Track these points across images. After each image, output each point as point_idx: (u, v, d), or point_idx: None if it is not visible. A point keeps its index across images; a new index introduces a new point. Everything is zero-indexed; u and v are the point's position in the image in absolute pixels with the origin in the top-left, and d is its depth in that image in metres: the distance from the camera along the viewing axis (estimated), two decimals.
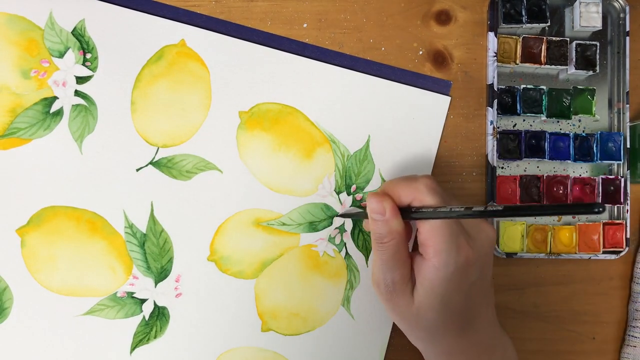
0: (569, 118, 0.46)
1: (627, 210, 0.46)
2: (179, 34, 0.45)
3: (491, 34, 0.45)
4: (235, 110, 0.45)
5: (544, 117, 0.46)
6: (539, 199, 0.45)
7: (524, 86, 0.45)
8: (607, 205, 0.46)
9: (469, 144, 0.46)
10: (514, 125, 0.46)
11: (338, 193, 0.45)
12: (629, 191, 0.46)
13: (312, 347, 0.45)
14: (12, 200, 0.44)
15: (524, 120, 0.46)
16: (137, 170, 0.45)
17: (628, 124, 0.46)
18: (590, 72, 0.46)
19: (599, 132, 0.46)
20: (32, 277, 0.44)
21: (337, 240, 0.46)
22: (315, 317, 0.45)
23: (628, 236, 0.46)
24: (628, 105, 0.46)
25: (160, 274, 0.45)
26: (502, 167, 0.46)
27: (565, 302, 0.47)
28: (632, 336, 0.46)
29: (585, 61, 0.46)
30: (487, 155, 0.46)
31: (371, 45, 0.46)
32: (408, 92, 0.46)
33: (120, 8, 0.45)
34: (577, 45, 0.45)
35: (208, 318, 0.45)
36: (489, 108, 0.46)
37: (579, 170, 0.47)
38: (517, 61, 0.46)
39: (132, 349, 0.45)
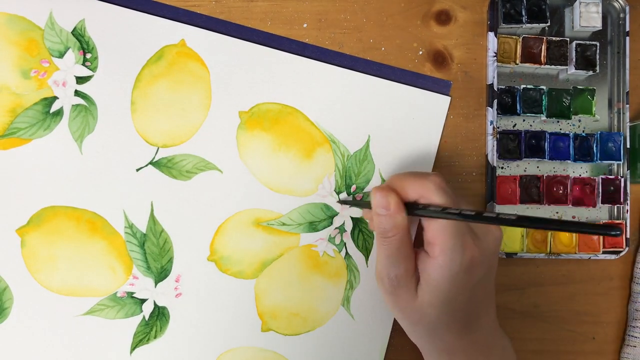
0: (569, 118, 0.46)
1: (627, 210, 0.46)
2: (179, 34, 0.45)
3: (491, 34, 0.45)
4: (235, 110, 0.45)
5: (543, 117, 0.46)
6: (539, 199, 0.45)
7: (524, 86, 0.45)
8: (607, 206, 0.46)
9: (469, 144, 0.46)
10: (514, 125, 0.46)
11: (338, 193, 0.45)
12: (628, 191, 0.46)
13: (312, 347, 0.45)
14: (12, 200, 0.44)
15: (524, 120, 0.46)
16: (137, 170, 0.45)
17: (628, 124, 0.46)
18: (590, 72, 0.46)
19: (599, 132, 0.46)
20: (32, 277, 0.44)
21: (337, 240, 0.46)
22: (315, 317, 0.45)
23: (628, 236, 0.46)
24: (628, 105, 0.46)
25: (160, 274, 0.45)
26: (502, 167, 0.46)
27: (565, 302, 0.47)
28: (632, 336, 0.46)
29: (585, 61, 0.46)
30: (487, 155, 0.46)
31: (371, 45, 0.46)
32: (408, 92, 0.46)
33: (120, 8, 0.45)
34: (577, 45, 0.45)
35: (208, 318, 0.45)
36: (489, 108, 0.46)
37: (579, 170, 0.47)
38: (517, 61, 0.46)
39: (132, 349, 0.45)
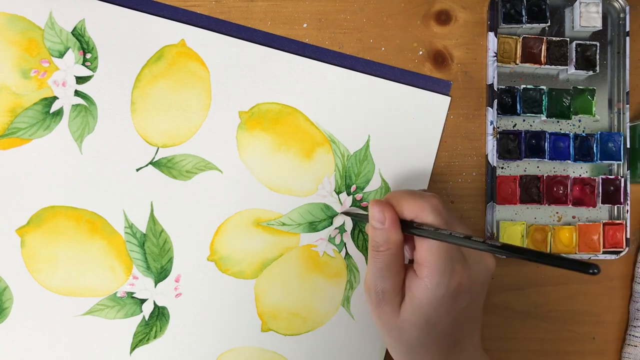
0: (569, 118, 0.46)
1: (627, 210, 0.46)
2: (179, 34, 0.45)
3: (491, 34, 0.45)
4: (235, 110, 0.45)
5: (544, 117, 0.46)
6: (538, 199, 0.45)
7: (524, 86, 0.45)
8: (607, 206, 0.46)
9: (469, 144, 0.46)
10: (514, 126, 0.46)
11: (338, 193, 0.45)
12: (629, 191, 0.46)
13: (312, 347, 0.45)
14: (12, 200, 0.44)
15: (524, 120, 0.46)
16: (137, 170, 0.45)
17: (628, 124, 0.46)
18: (590, 72, 0.46)
19: (599, 132, 0.46)
20: (32, 277, 0.44)
21: (337, 240, 0.46)
22: (315, 317, 0.45)
23: (628, 236, 0.46)
24: (628, 106, 0.46)
25: (160, 274, 0.45)
26: (502, 167, 0.46)
27: (566, 302, 0.47)
28: (633, 336, 0.46)
29: (585, 61, 0.46)
30: (487, 155, 0.46)
31: (371, 45, 0.46)
32: (408, 92, 0.46)
33: (120, 8, 0.45)
34: (577, 45, 0.45)
35: (208, 318, 0.45)
36: (489, 108, 0.46)
37: (579, 170, 0.47)
38: (517, 61, 0.46)
39: (132, 349, 0.45)
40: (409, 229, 0.37)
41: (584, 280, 0.47)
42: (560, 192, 0.45)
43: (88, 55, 0.45)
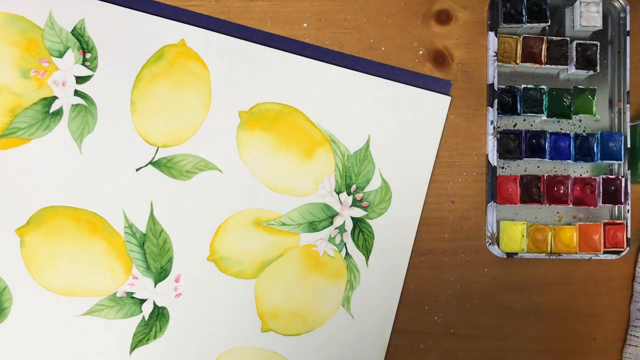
0: (570, 118, 0.46)
1: (628, 210, 0.46)
2: (179, 34, 0.45)
3: (491, 34, 0.45)
4: (235, 110, 0.45)
5: (544, 117, 0.46)
6: (539, 199, 0.45)
7: (525, 86, 0.45)
8: (608, 205, 0.46)
9: (469, 143, 0.46)
10: (515, 125, 0.46)
11: (338, 193, 0.45)
12: (629, 191, 0.45)
13: (312, 347, 0.45)
14: (12, 200, 0.44)
15: (524, 120, 0.46)
16: (137, 170, 0.45)
17: (628, 123, 0.46)
18: (591, 72, 0.46)
19: (600, 132, 0.46)
20: (32, 277, 0.44)
21: (337, 240, 0.45)
22: (315, 317, 0.45)
23: (629, 236, 0.46)
24: (628, 105, 0.46)
25: (160, 274, 0.45)
26: (503, 167, 0.46)
27: (566, 302, 0.47)
28: (634, 336, 0.46)
29: (585, 61, 0.46)
30: (487, 155, 0.46)
31: (371, 45, 0.46)
32: (408, 92, 0.46)
33: (120, 8, 0.45)
34: (578, 45, 0.45)
35: (208, 318, 0.45)
36: (490, 108, 0.46)
37: (579, 170, 0.47)
38: (518, 61, 0.46)
39: (132, 349, 0.45)
40: None
41: (584, 280, 0.47)
42: (561, 191, 0.45)
43: (88, 55, 0.45)
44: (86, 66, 0.45)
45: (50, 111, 0.44)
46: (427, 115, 0.46)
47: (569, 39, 0.46)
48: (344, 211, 0.45)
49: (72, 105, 0.44)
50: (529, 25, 0.45)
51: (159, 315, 0.45)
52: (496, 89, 0.45)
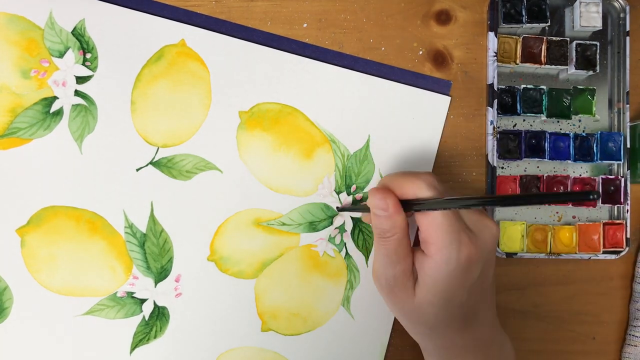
0: (569, 118, 0.46)
1: (627, 210, 0.46)
2: (179, 34, 0.45)
3: (491, 34, 0.45)
4: (235, 110, 0.45)
5: (544, 117, 0.46)
6: None
7: (524, 86, 0.45)
8: (607, 206, 0.46)
9: (469, 144, 0.46)
10: (514, 125, 0.46)
11: (338, 193, 0.45)
12: (629, 191, 0.46)
13: (312, 347, 0.45)
14: (12, 200, 0.44)
15: (524, 120, 0.46)
16: (137, 170, 0.45)
17: (628, 123, 0.46)
18: (591, 72, 0.46)
19: (599, 132, 0.46)
20: (32, 277, 0.44)
21: (337, 240, 0.46)
22: (315, 317, 0.45)
23: (628, 236, 0.46)
24: (628, 105, 0.46)
25: (160, 274, 0.45)
26: (502, 167, 0.46)
27: (566, 302, 0.47)
28: (634, 336, 0.46)
29: (585, 61, 0.46)
30: (487, 155, 0.46)
31: (371, 45, 0.46)
32: (408, 92, 0.46)
33: (120, 8, 0.45)
34: (577, 45, 0.45)
35: (208, 318, 0.45)
36: (489, 108, 0.46)
37: (579, 170, 0.47)
38: (517, 61, 0.46)
39: (132, 349, 0.45)
40: (410, 207, 0.37)
41: (583, 280, 0.47)
42: (560, 191, 0.45)
43: (88, 55, 0.45)
44: (86, 66, 0.45)
45: (51, 111, 0.44)
46: (427, 115, 0.46)
47: (568, 39, 0.46)
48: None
49: (73, 105, 0.44)
50: (528, 25, 0.45)
51: (159, 315, 0.45)
52: (496, 89, 0.45)
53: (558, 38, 0.46)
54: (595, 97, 0.46)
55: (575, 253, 0.45)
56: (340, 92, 0.45)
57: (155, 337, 0.45)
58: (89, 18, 0.45)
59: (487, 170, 0.46)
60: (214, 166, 0.45)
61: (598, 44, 0.45)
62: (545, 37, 0.45)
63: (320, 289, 0.45)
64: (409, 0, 0.46)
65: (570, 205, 0.46)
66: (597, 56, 0.45)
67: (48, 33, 0.44)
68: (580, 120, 0.47)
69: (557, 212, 0.46)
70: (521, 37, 0.45)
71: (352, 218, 0.46)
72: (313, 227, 0.45)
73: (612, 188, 0.46)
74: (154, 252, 0.45)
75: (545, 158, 0.45)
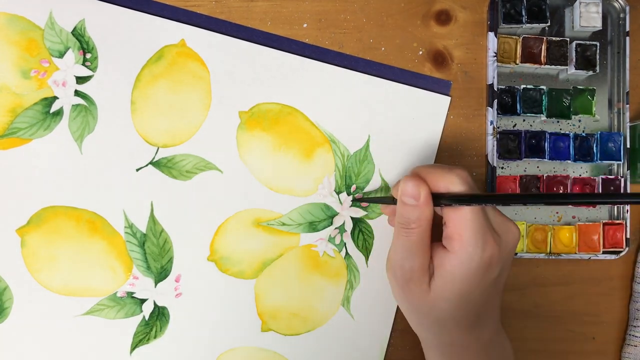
0: (569, 118, 0.46)
1: (627, 210, 0.46)
2: (179, 34, 0.45)
3: (491, 34, 0.45)
4: (235, 110, 0.45)
5: (544, 117, 0.46)
6: None
7: (524, 86, 0.45)
8: (607, 206, 0.46)
9: (469, 144, 0.46)
10: (514, 125, 0.46)
11: (338, 193, 0.45)
12: (629, 191, 0.46)
13: (312, 347, 0.45)
14: (12, 200, 0.44)
15: (524, 120, 0.46)
16: (137, 170, 0.45)
17: (628, 124, 0.46)
18: (590, 72, 0.46)
19: (599, 132, 0.46)
20: (32, 277, 0.44)
21: (337, 240, 0.46)
22: (315, 317, 0.45)
23: (628, 236, 0.46)
24: (628, 105, 0.46)
25: (160, 274, 0.45)
26: (502, 167, 0.46)
27: (566, 302, 0.47)
28: (633, 336, 0.46)
29: (585, 61, 0.46)
30: (487, 155, 0.46)
31: (371, 45, 0.46)
32: (408, 92, 0.46)
33: (120, 8, 0.45)
34: (577, 45, 0.45)
35: (208, 318, 0.45)
36: (489, 108, 0.46)
37: (579, 170, 0.47)
38: (517, 61, 0.46)
39: (132, 349, 0.45)
40: (439, 202, 0.37)
41: (583, 280, 0.47)
42: (560, 192, 0.45)
43: (88, 55, 0.45)
44: (86, 66, 0.45)
45: (51, 111, 0.44)
46: (427, 116, 0.46)
47: (568, 39, 0.46)
48: (343, 211, 0.46)
49: (73, 105, 0.44)
50: (528, 25, 0.45)
51: (160, 315, 0.45)
52: (496, 89, 0.45)
53: (558, 38, 0.46)
54: (595, 97, 0.46)
55: (575, 253, 0.45)
56: (340, 92, 0.45)
57: (155, 337, 0.45)
58: (89, 18, 0.45)
59: (487, 170, 0.46)
60: (214, 166, 0.45)
61: (598, 44, 0.45)
62: (545, 37, 0.46)
63: (320, 289, 0.45)
64: (409, 0, 0.46)
65: (569, 206, 0.46)
66: (597, 56, 0.45)
67: (48, 33, 0.44)
68: (580, 121, 0.47)
69: (557, 212, 0.46)
70: (521, 37, 0.45)
71: (352, 218, 0.46)
72: (313, 227, 0.45)
73: (612, 188, 0.46)
74: (154, 252, 0.45)
75: (545, 158, 0.45)
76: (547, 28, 0.46)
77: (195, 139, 0.45)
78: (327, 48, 0.46)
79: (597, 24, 0.45)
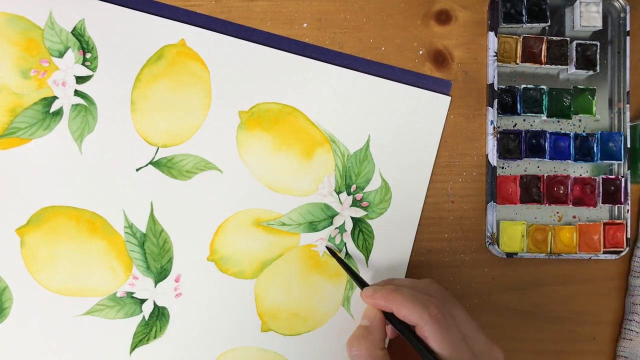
0: (570, 118, 0.46)
1: (628, 210, 0.46)
2: (179, 34, 0.45)
3: (491, 34, 0.45)
4: (235, 110, 0.45)
5: (544, 117, 0.46)
6: (539, 199, 0.45)
7: (524, 86, 0.45)
8: (608, 205, 0.46)
9: (469, 143, 0.46)
10: (515, 125, 0.46)
11: (338, 193, 0.45)
12: (629, 191, 0.46)
13: (312, 347, 0.45)
14: (12, 200, 0.44)
15: (524, 120, 0.46)
16: (137, 170, 0.45)
17: (628, 123, 0.46)
18: (591, 72, 0.46)
19: (600, 132, 0.46)
20: (32, 277, 0.44)
21: (337, 240, 0.45)
22: (315, 317, 0.45)
23: (628, 236, 0.46)
24: (628, 105, 0.46)
25: (160, 274, 0.45)
26: (503, 167, 0.46)
27: (566, 302, 0.47)
28: (629, 329, 0.46)
29: (585, 61, 0.46)
30: (487, 155, 0.46)
31: (371, 45, 0.46)
32: (408, 92, 0.46)
33: (120, 8, 0.45)
34: (578, 45, 0.45)
35: (208, 318, 0.45)
36: (489, 108, 0.46)
37: (579, 170, 0.47)
38: (518, 61, 0.46)
39: (132, 349, 0.45)
40: (403, 331, 0.38)
41: (584, 280, 0.47)
42: (561, 191, 0.45)
43: (88, 55, 0.45)
44: (86, 66, 0.45)
45: (51, 111, 0.44)
46: (427, 115, 0.46)
47: (569, 39, 0.46)
48: (344, 211, 0.46)
49: (72, 105, 0.44)
50: (529, 25, 0.45)
51: (159, 315, 0.45)
52: (496, 89, 0.45)
53: (558, 38, 0.46)
54: (595, 97, 0.46)
55: (576, 253, 0.45)
56: (340, 92, 0.45)
57: (155, 337, 0.45)
58: (89, 18, 0.45)
59: (487, 170, 0.46)
60: (214, 166, 0.45)
61: (598, 43, 0.45)
62: (545, 37, 0.45)
63: (320, 289, 0.45)
64: (409, 0, 0.46)
65: (570, 205, 0.46)
66: (597, 56, 0.45)
67: (48, 33, 0.44)
68: (580, 120, 0.47)
69: (557, 212, 0.46)
70: (521, 37, 0.45)
71: (352, 218, 0.46)
72: (313, 227, 0.45)
73: (612, 188, 0.46)
74: (153, 252, 0.45)
75: (545, 158, 0.45)
76: (547, 28, 0.46)
77: (195, 139, 0.45)
78: (327, 48, 0.46)
79: (598, 24, 0.45)
